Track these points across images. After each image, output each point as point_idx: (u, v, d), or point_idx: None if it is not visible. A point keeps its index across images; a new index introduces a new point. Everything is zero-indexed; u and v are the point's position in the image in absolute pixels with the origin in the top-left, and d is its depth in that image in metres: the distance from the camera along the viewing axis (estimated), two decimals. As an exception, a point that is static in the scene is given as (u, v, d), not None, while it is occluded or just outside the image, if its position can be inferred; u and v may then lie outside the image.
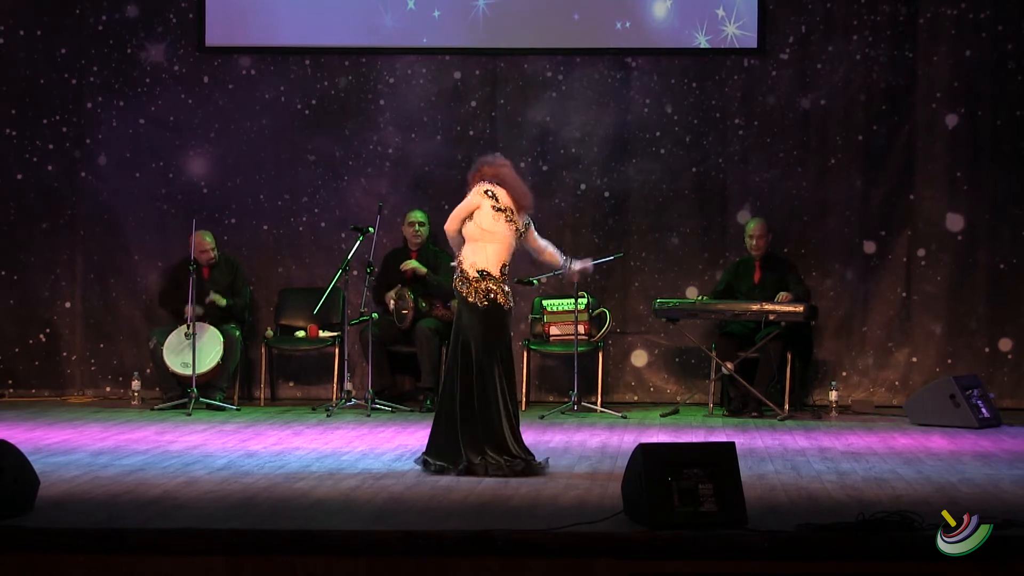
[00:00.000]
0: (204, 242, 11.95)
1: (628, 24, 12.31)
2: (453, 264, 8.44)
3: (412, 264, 11.83)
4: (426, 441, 8.38)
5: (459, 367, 8.20)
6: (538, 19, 12.36)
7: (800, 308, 11.26)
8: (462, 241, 8.41)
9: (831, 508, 7.01)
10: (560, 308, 11.95)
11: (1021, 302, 12.19)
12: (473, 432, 8.11)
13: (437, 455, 8.21)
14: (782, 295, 11.45)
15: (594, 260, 9.21)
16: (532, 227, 8.48)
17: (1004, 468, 8.55)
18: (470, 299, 8.25)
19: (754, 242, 11.78)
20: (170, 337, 11.72)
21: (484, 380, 8.16)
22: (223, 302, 11.91)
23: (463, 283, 8.29)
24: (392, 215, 12.26)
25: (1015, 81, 12.16)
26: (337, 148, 12.52)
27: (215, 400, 11.55)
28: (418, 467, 8.28)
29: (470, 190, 8.43)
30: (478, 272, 8.28)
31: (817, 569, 6.08)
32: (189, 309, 11.53)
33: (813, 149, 12.33)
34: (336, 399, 11.70)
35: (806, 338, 11.80)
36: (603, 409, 11.51)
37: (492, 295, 8.25)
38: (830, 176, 12.31)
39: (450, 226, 8.47)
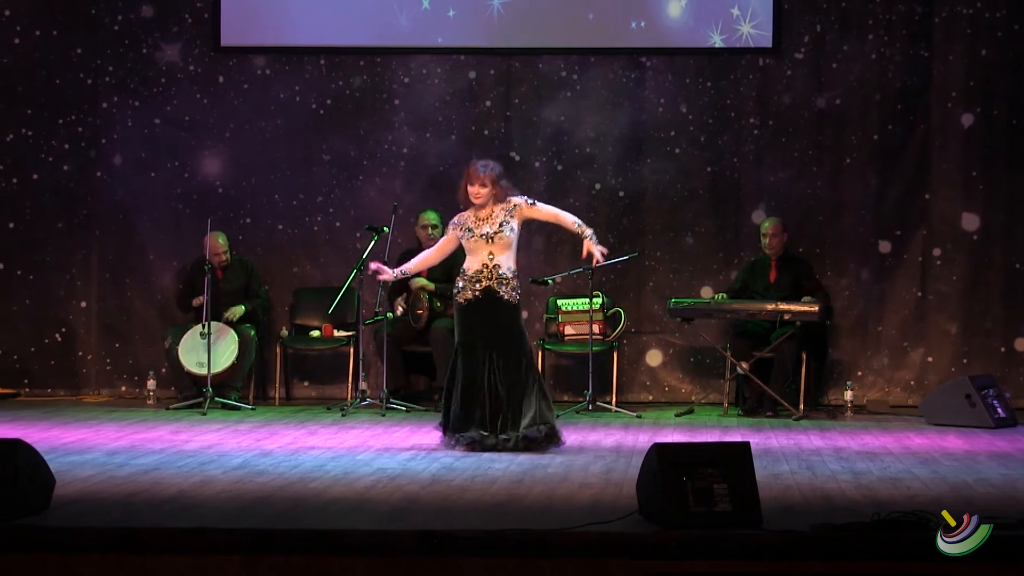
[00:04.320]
0: (217, 244, 11.94)
1: (643, 24, 12.30)
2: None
3: (420, 282, 11.76)
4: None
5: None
6: (553, 19, 12.36)
7: (815, 308, 11.22)
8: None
9: (846, 508, 6.99)
10: (575, 308, 11.94)
11: (1036, 302, 12.19)
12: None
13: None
14: (806, 300, 11.34)
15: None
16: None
17: (1020, 468, 8.52)
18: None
19: (767, 241, 11.77)
20: (185, 336, 11.73)
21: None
22: (240, 312, 11.90)
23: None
24: (407, 215, 12.27)
25: (1031, 80, 12.15)
26: (352, 148, 12.53)
27: (230, 399, 11.56)
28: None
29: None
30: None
31: (832, 569, 6.06)
32: (198, 300, 11.57)
33: (828, 149, 12.31)
34: (351, 399, 11.70)
35: (821, 338, 11.78)
36: (618, 409, 11.50)
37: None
38: (845, 176, 12.29)
39: None
